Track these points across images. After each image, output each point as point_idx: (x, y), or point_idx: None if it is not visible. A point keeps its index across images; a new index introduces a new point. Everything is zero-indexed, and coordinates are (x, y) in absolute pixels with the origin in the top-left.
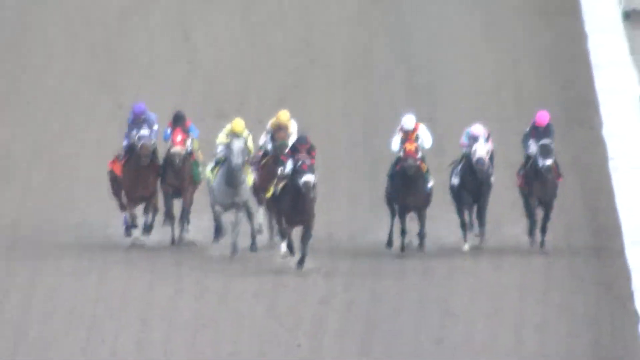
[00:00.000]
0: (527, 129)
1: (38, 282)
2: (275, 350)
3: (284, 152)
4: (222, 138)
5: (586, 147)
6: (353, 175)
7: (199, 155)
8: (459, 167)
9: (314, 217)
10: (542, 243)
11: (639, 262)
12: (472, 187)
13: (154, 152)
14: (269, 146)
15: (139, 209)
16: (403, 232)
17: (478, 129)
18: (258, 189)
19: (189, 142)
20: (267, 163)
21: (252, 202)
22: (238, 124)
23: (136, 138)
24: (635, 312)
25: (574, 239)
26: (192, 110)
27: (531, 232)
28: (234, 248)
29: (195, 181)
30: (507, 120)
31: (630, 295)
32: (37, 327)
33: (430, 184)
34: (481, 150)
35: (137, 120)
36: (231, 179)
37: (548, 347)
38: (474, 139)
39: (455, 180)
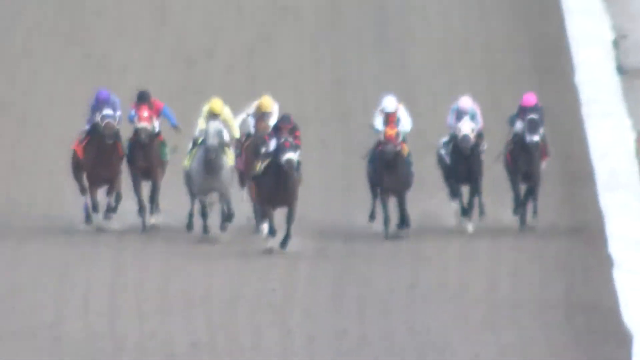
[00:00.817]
0: (515, 111)
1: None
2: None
3: (263, 142)
4: (201, 123)
5: (558, 94)
6: (322, 128)
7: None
8: (449, 147)
9: (297, 198)
10: (533, 221)
11: (612, 208)
12: (462, 168)
13: (117, 133)
14: (252, 129)
15: (101, 193)
16: (386, 220)
17: (466, 102)
18: (242, 173)
19: (156, 123)
20: (249, 146)
21: (232, 187)
22: (216, 103)
23: (99, 117)
24: (609, 257)
25: (548, 186)
26: (162, 60)
27: (516, 210)
28: (206, 229)
29: (162, 160)
30: (477, 68)
31: (603, 241)
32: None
33: (412, 167)
34: (466, 127)
35: (100, 106)
36: (209, 163)
37: (521, 293)
38: (461, 114)
39: (446, 161)
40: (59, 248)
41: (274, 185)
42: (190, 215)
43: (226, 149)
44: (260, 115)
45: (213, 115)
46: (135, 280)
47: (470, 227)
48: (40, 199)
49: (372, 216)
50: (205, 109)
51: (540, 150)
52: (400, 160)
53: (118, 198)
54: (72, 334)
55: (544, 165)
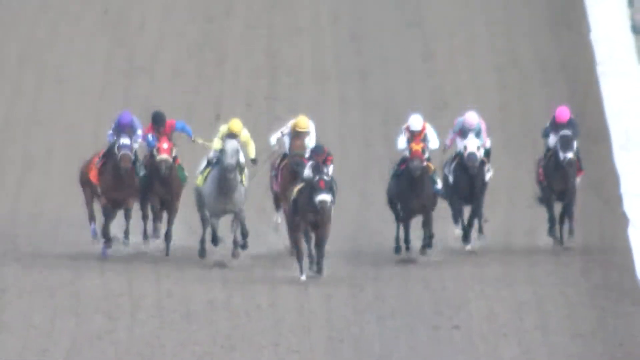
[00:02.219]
0: (547, 124)
1: None
2: None
3: (299, 164)
4: (217, 143)
5: (574, 51)
6: (340, 84)
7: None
8: (452, 165)
9: (330, 222)
10: (571, 230)
11: (627, 167)
12: (465, 186)
13: (134, 162)
14: (287, 148)
15: (115, 226)
16: (407, 241)
17: (472, 117)
18: (277, 195)
19: (174, 150)
20: (285, 167)
21: (245, 210)
22: (235, 124)
23: (116, 148)
24: (624, 214)
25: None
26: (181, 16)
27: (551, 231)
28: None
29: (182, 184)
30: (496, 25)
31: (618, 199)
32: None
33: (438, 185)
34: (472, 145)
35: (120, 130)
36: (223, 183)
37: (536, 250)
38: (466, 130)
39: (450, 179)
40: (78, 204)
41: (308, 210)
42: (202, 242)
43: (242, 170)
44: (296, 134)
45: (231, 135)
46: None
47: (469, 247)
48: (59, 152)
49: (398, 248)
50: (223, 129)
51: (575, 166)
52: (427, 178)
53: (128, 219)
54: (90, 290)
55: (578, 180)
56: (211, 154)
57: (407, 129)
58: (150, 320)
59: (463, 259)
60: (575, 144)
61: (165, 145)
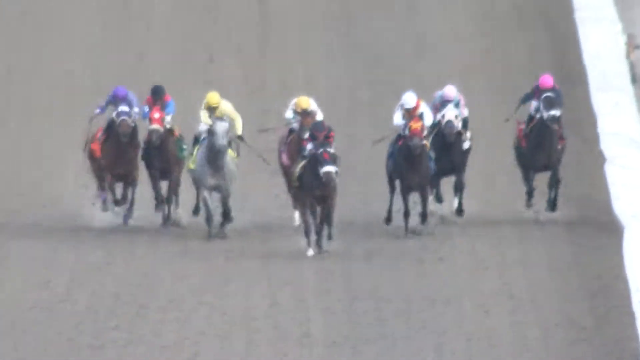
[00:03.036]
0: (529, 90)
1: None
2: None
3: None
4: (204, 117)
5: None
6: (327, 32)
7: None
8: (431, 137)
9: (337, 195)
10: (554, 203)
11: (603, 107)
12: (444, 157)
13: (133, 130)
14: (295, 125)
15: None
16: (406, 214)
17: (450, 90)
18: (286, 169)
19: (168, 119)
20: (293, 140)
21: (234, 185)
22: (212, 97)
23: (115, 114)
24: (601, 153)
25: None
26: None
27: (529, 201)
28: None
29: (179, 159)
30: None
31: (596, 138)
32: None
33: (431, 162)
34: (450, 114)
35: (117, 101)
36: (214, 159)
37: (515, 186)
38: (445, 102)
39: (431, 153)
40: (77, 146)
41: (313, 182)
42: (207, 219)
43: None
44: (304, 113)
45: (212, 109)
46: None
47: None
48: (59, 99)
49: (389, 219)
50: (205, 102)
51: (560, 123)
52: (425, 155)
53: (134, 187)
54: (90, 225)
55: (560, 148)
56: (200, 129)
57: (402, 106)
58: (148, 255)
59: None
60: (559, 107)
61: (156, 115)
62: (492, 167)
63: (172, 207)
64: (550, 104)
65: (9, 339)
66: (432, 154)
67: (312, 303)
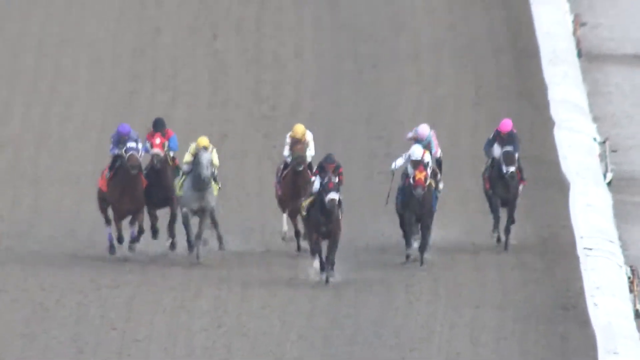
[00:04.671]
0: (491, 136)
1: None
2: None
3: (301, 164)
4: (187, 157)
5: None
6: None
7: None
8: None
9: (341, 231)
10: (506, 244)
11: (554, 78)
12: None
13: (139, 165)
14: (289, 159)
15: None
16: (408, 244)
17: (423, 129)
18: (281, 199)
19: (169, 152)
20: (287, 174)
21: (218, 210)
22: (203, 140)
23: (123, 150)
24: (550, 118)
25: (499, 60)
26: None
27: (495, 228)
28: (197, 254)
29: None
30: None
31: (546, 105)
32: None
33: (436, 201)
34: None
35: (122, 139)
36: (198, 184)
37: (478, 147)
38: (418, 141)
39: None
40: (102, 108)
41: (319, 218)
42: (189, 241)
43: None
44: (294, 141)
45: (203, 148)
46: None
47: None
48: (84, 65)
49: (408, 257)
50: (192, 146)
51: (516, 178)
52: (428, 196)
53: (140, 231)
54: None
55: (521, 188)
56: (185, 167)
57: (410, 158)
58: (161, 218)
59: None
60: (516, 157)
61: (157, 141)
62: (455, 125)
63: (173, 236)
64: (509, 160)
65: (40, 276)
66: (438, 194)
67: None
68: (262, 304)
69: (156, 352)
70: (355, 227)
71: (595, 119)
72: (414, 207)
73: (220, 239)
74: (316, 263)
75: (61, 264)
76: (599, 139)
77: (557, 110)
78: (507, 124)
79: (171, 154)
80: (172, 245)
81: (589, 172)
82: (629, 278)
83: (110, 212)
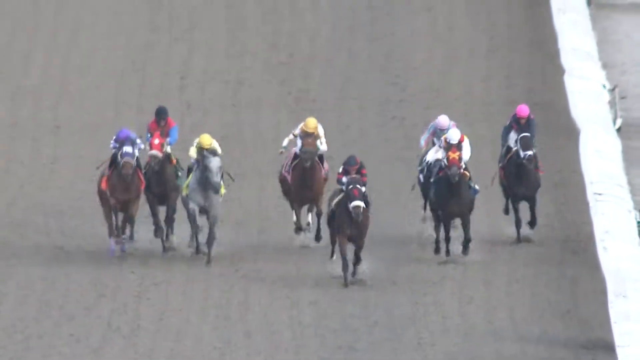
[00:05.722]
0: (508, 122)
1: None
2: None
3: (308, 160)
4: (192, 152)
5: None
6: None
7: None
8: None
9: (365, 235)
10: (531, 233)
11: (563, 25)
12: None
13: (134, 168)
14: (298, 149)
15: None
16: (448, 240)
17: (444, 120)
18: (289, 189)
19: (168, 149)
20: (297, 165)
21: (220, 214)
22: (205, 138)
23: (119, 155)
24: (561, 66)
25: (511, 10)
26: None
27: (517, 225)
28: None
29: (177, 185)
30: None
31: (557, 53)
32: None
33: (474, 190)
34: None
35: (121, 143)
36: (206, 185)
37: (492, 93)
38: (439, 131)
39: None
40: (121, 55)
41: (345, 222)
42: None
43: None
44: (305, 134)
45: (211, 152)
46: None
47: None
48: (104, 17)
49: (437, 250)
50: (197, 141)
51: (534, 161)
52: (464, 184)
53: (132, 223)
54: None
55: (539, 177)
56: (191, 162)
57: (446, 140)
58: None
59: (432, 98)
60: (534, 147)
61: (156, 141)
62: (471, 71)
63: (168, 232)
64: (526, 145)
65: (60, 221)
66: (475, 185)
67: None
68: (278, 249)
69: (175, 295)
70: (370, 172)
71: (605, 67)
72: (451, 198)
73: (210, 244)
74: (334, 258)
75: (81, 210)
76: (608, 86)
77: (567, 58)
78: (524, 110)
79: (169, 149)
80: (157, 232)
81: (599, 118)
82: (638, 222)
83: (111, 213)
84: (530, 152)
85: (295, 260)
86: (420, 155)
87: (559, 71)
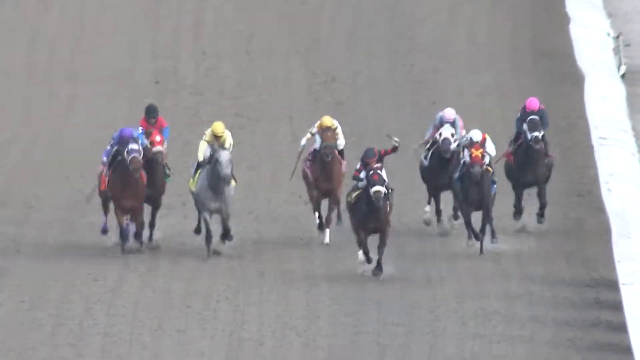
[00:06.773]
0: (519, 114)
1: None
2: None
3: (329, 154)
4: (203, 146)
5: None
6: None
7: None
8: (430, 152)
9: (389, 225)
10: (540, 220)
11: None
12: (440, 173)
13: (141, 167)
14: (318, 145)
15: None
16: (478, 235)
17: (449, 112)
18: (310, 183)
19: (165, 146)
20: (317, 159)
21: (233, 208)
22: (218, 126)
23: (125, 152)
24: (566, 14)
25: None
26: None
27: (516, 213)
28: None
29: (164, 184)
30: None
31: (561, 1)
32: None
33: (495, 185)
34: (446, 132)
35: (125, 141)
36: (216, 186)
37: (495, 38)
38: (445, 123)
39: (425, 164)
40: (133, 17)
41: (366, 214)
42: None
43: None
44: (324, 130)
45: (216, 138)
46: None
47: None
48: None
49: (471, 237)
50: (209, 132)
51: (541, 143)
52: (487, 179)
53: (141, 226)
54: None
55: (549, 162)
56: (201, 158)
57: (470, 139)
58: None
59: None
60: (542, 128)
61: (158, 138)
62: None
63: (152, 229)
64: (534, 126)
65: (78, 165)
66: (495, 179)
67: None
68: (290, 191)
69: (190, 238)
70: (378, 118)
71: (609, 15)
72: (474, 193)
73: (225, 234)
74: (360, 254)
75: (99, 154)
76: (612, 34)
77: (572, 6)
78: (533, 102)
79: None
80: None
81: (603, 65)
82: None
83: (113, 209)
84: (537, 133)
85: (308, 202)
86: (424, 140)
87: (565, 19)
